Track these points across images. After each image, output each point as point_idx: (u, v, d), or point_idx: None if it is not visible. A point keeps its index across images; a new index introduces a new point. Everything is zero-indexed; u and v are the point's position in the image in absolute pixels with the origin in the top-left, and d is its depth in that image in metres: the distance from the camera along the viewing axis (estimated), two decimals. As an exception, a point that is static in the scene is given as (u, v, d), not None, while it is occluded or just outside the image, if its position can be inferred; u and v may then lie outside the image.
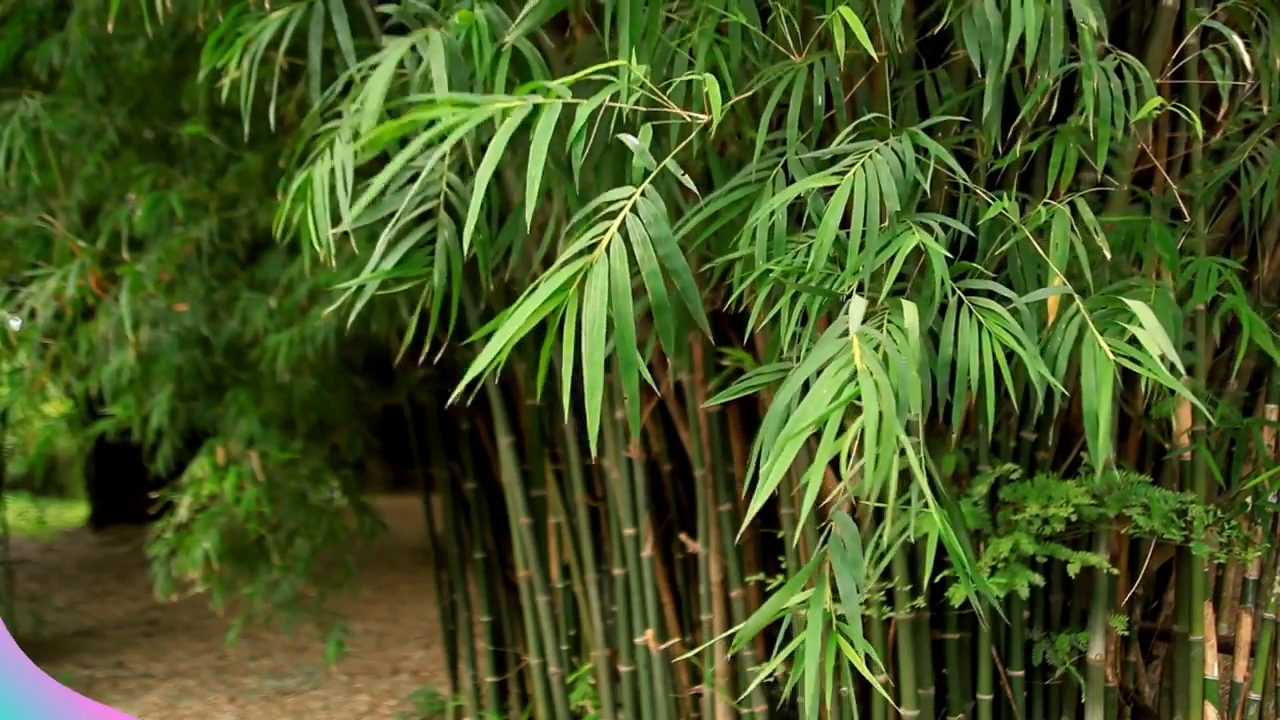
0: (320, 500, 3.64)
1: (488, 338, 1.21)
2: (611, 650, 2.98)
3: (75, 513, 9.71)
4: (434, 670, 5.05)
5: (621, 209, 1.23)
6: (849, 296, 1.39)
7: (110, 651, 5.53)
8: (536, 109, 1.29)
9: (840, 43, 1.43)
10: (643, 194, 1.25)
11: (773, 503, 2.54)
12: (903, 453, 1.17)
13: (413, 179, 1.83)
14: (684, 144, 1.47)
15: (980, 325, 1.42)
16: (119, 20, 2.41)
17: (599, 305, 1.16)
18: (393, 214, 1.76)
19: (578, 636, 3.18)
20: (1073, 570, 1.99)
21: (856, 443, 1.17)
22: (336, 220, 1.81)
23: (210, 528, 3.36)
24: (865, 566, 1.51)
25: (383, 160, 1.77)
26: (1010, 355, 1.41)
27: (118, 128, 3.15)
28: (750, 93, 1.67)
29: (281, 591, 3.58)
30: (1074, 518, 1.95)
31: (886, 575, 2.21)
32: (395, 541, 6.85)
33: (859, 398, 1.16)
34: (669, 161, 1.31)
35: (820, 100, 1.61)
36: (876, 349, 1.25)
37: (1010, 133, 1.81)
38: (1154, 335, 1.32)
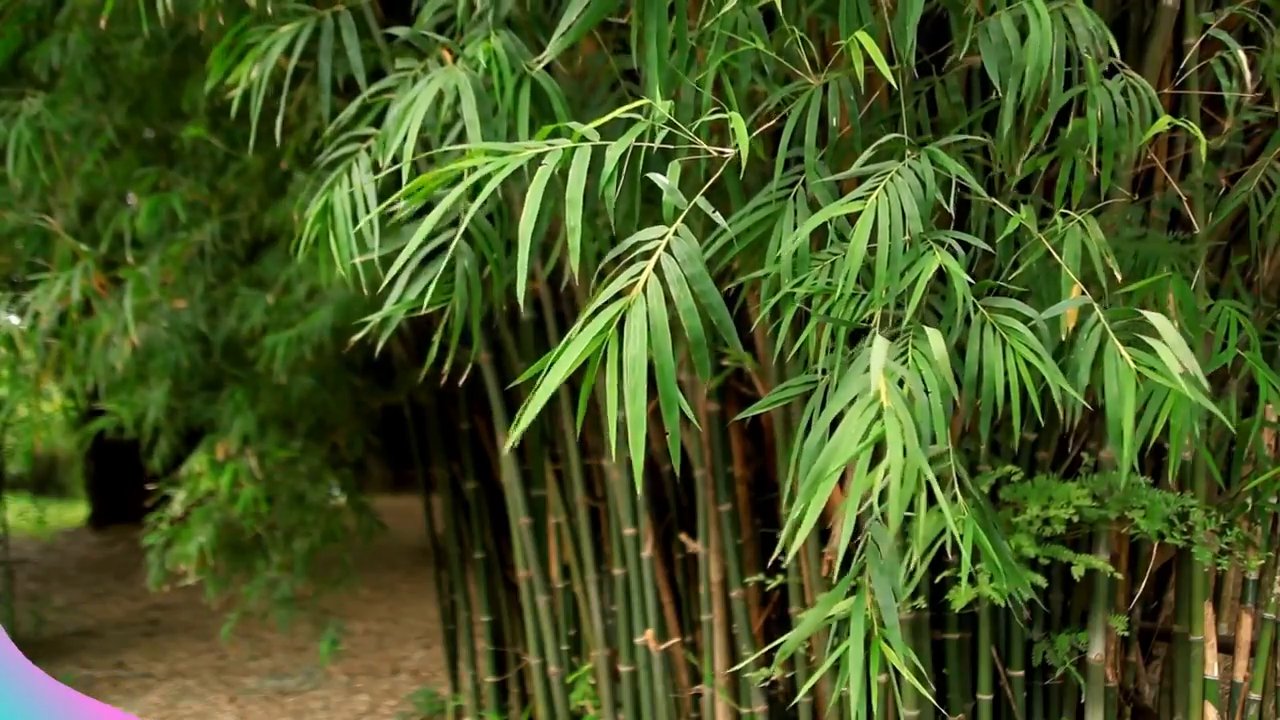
0: (319, 499, 3.64)
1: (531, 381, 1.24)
2: (611, 650, 2.98)
3: (75, 513, 9.71)
4: (434, 670, 5.05)
5: (655, 249, 1.27)
6: (872, 322, 1.43)
7: (110, 651, 5.53)
8: (566, 153, 1.32)
9: (859, 66, 1.45)
10: (675, 233, 1.28)
11: (772, 502, 2.54)
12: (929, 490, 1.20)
13: (428, 208, 1.88)
14: (711, 180, 1.49)
15: (1004, 341, 1.46)
16: (118, 20, 2.42)
17: (639, 345, 1.19)
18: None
19: (578, 636, 3.17)
20: (1077, 573, 2.00)
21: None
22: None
23: (206, 523, 3.37)
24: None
25: (398, 185, 1.81)
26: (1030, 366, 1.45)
27: (117, 126, 3.15)
28: (769, 117, 1.69)
29: (280, 590, 3.58)
30: (1075, 519, 1.95)
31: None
32: (395, 541, 6.84)
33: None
34: (700, 199, 1.33)
35: (835, 121, 1.63)
36: (901, 384, 1.29)
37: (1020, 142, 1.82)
38: (1175, 350, 1.35)
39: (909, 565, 1.54)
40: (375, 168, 1.88)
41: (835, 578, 2.36)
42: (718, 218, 1.34)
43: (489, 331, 2.96)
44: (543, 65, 1.69)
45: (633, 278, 1.25)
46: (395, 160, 1.76)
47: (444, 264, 1.81)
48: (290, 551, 3.59)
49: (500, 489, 3.27)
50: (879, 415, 1.22)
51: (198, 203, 3.12)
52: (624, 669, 2.89)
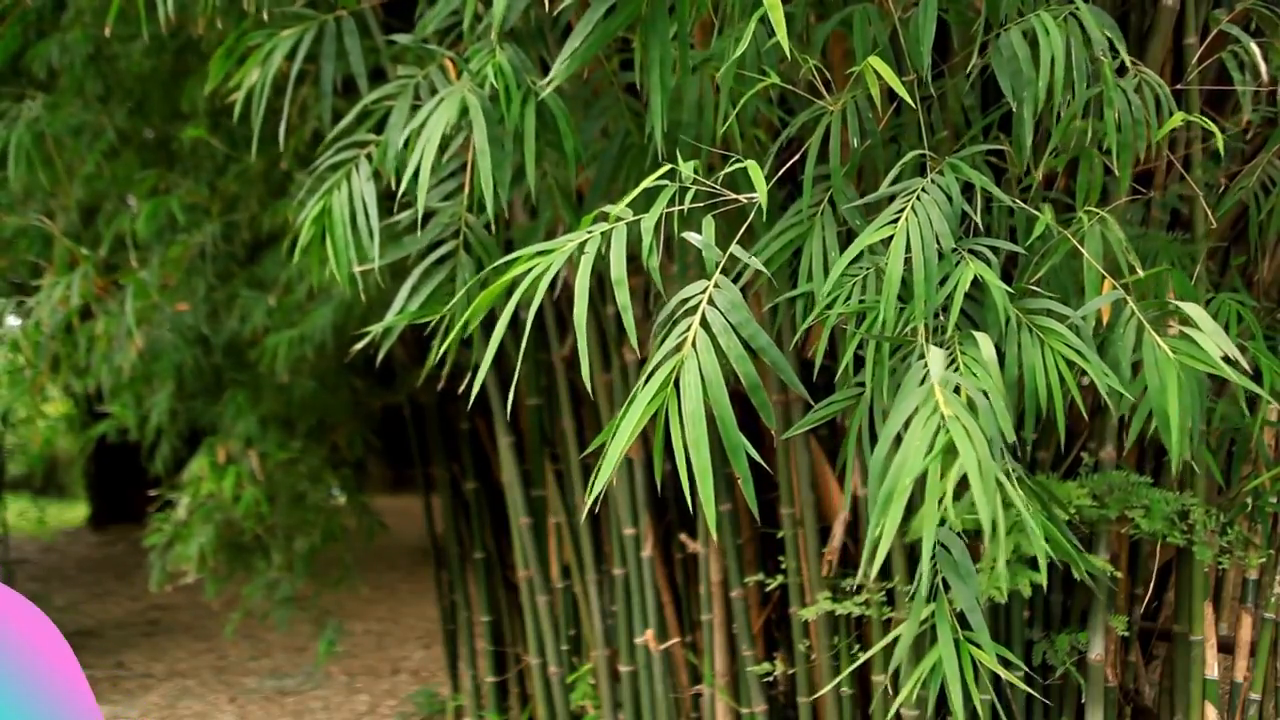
0: (319, 499, 3.64)
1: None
2: (611, 650, 2.98)
3: (75, 513, 9.71)
4: (434, 670, 5.05)
5: (699, 304, 1.30)
6: (913, 335, 1.46)
7: (110, 651, 5.53)
8: (604, 236, 1.36)
9: (875, 91, 1.47)
10: (716, 285, 1.31)
11: (772, 503, 2.55)
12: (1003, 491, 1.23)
13: (428, 218, 1.90)
14: (743, 228, 1.51)
15: (1042, 343, 1.48)
16: (119, 21, 2.42)
17: (696, 399, 1.23)
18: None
19: (578, 636, 3.18)
20: (1078, 574, 1.99)
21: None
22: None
23: (206, 523, 3.37)
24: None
25: (396, 192, 1.83)
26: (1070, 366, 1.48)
27: (117, 127, 3.15)
28: (788, 141, 1.71)
29: (281, 590, 3.59)
30: (1075, 519, 1.95)
31: (886, 575, 2.21)
32: (395, 541, 6.85)
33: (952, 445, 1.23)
34: (736, 248, 1.37)
35: (856, 143, 1.65)
36: (957, 390, 1.31)
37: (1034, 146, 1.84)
38: (1213, 336, 1.37)
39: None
40: (375, 175, 1.89)
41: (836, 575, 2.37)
42: (755, 262, 1.37)
43: (488, 332, 2.96)
44: (551, 86, 1.70)
45: (681, 335, 1.27)
46: (400, 173, 1.77)
47: (444, 275, 1.82)
48: (291, 552, 3.59)
49: (500, 489, 3.28)
50: (942, 425, 1.25)
51: (198, 204, 3.12)
52: (624, 669, 2.89)
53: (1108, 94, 1.57)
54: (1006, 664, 1.91)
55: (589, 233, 1.35)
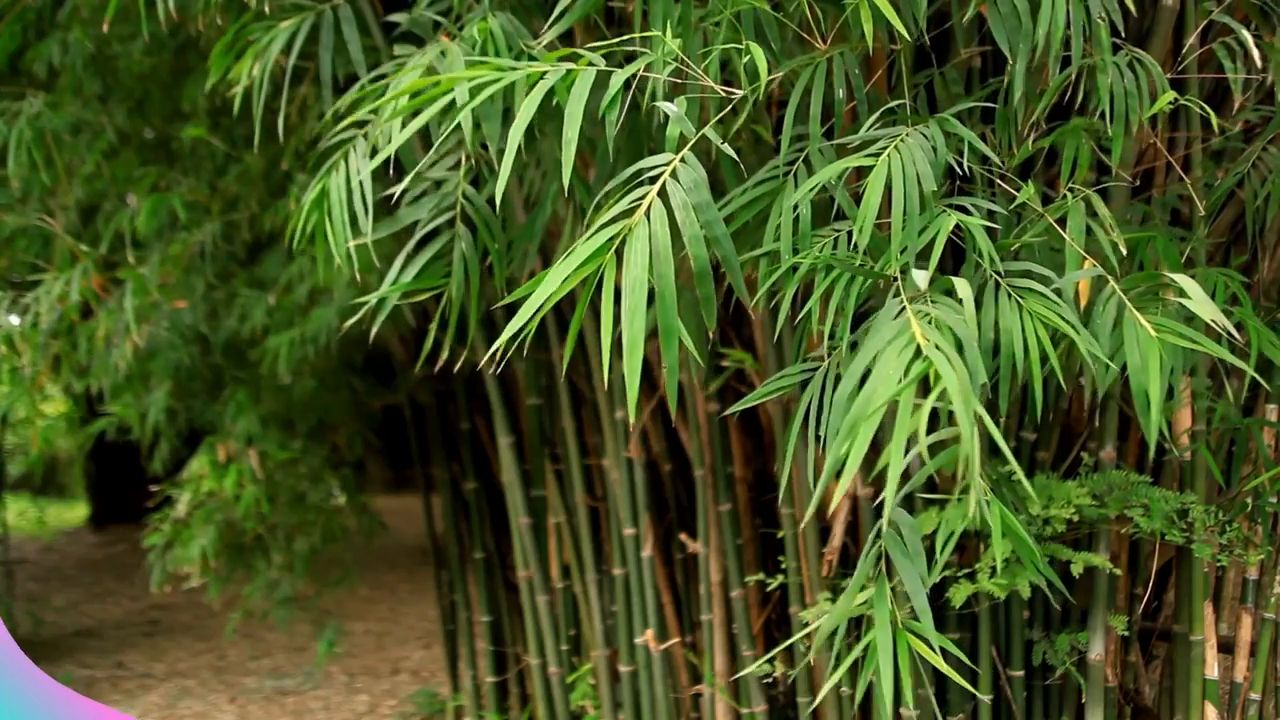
0: (319, 499, 3.64)
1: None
2: (611, 650, 2.98)
3: (75, 513, 9.71)
4: (434, 670, 5.05)
5: (661, 174, 1.21)
6: (893, 280, 1.37)
7: (110, 651, 5.53)
8: (569, 74, 1.28)
9: (868, 28, 1.41)
10: (682, 160, 1.23)
11: (772, 502, 2.55)
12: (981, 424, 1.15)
13: (433, 187, 1.87)
14: (720, 114, 1.43)
15: (1021, 307, 1.41)
16: (118, 20, 2.42)
17: (640, 269, 1.14)
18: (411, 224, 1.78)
19: (578, 636, 3.18)
20: (1076, 570, 1.99)
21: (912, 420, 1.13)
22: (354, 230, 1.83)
23: (207, 524, 3.37)
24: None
25: (398, 170, 1.78)
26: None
27: (117, 127, 3.15)
28: (773, 99, 1.67)
29: (281, 590, 3.59)
30: (1075, 518, 1.95)
31: (888, 574, 2.20)
32: (395, 541, 6.85)
33: (929, 374, 1.14)
34: (709, 130, 1.28)
35: (841, 94, 1.61)
36: (932, 323, 1.23)
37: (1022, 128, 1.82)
38: (1202, 304, 1.32)
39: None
40: (372, 153, 1.86)
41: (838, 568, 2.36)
42: (726, 149, 1.29)
43: (488, 331, 2.96)
44: (543, 41, 1.67)
45: (635, 201, 1.19)
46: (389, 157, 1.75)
47: (442, 244, 1.78)
48: (291, 552, 3.59)
49: (500, 489, 3.28)
50: (918, 354, 1.16)
51: (198, 203, 3.12)
52: (624, 669, 2.89)
53: (1102, 58, 1.55)
54: (976, 659, 1.89)
55: (554, 66, 1.28)
